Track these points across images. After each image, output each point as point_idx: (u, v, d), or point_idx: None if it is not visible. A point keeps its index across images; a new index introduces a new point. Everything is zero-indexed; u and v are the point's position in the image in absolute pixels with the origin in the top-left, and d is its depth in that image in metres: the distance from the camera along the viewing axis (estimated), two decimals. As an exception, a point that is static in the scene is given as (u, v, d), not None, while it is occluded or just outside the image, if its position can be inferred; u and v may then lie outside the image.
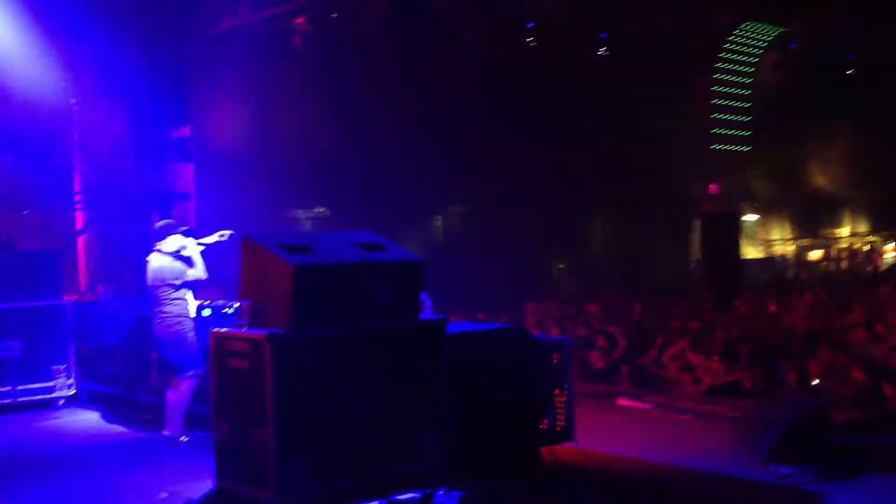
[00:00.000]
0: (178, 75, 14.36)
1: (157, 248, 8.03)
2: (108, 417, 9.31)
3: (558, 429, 6.82)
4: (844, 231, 30.37)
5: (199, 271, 8.02)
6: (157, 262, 7.97)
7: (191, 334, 7.95)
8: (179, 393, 7.91)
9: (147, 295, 8.07)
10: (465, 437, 6.04)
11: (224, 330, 5.75)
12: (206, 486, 5.80)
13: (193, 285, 8.06)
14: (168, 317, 7.86)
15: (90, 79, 14.23)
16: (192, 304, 8.06)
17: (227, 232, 8.19)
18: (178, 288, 7.91)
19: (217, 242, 8.26)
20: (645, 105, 20.98)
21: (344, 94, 18.20)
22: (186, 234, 8.18)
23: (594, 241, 22.13)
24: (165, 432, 7.99)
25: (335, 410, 5.48)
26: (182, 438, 7.89)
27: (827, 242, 30.03)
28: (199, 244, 8.13)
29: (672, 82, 20.87)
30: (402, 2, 15.00)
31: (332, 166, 18.18)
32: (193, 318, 8.04)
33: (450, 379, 5.95)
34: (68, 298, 10.44)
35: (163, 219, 8.47)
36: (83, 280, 14.62)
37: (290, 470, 5.27)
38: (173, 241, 8.04)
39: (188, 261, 8.00)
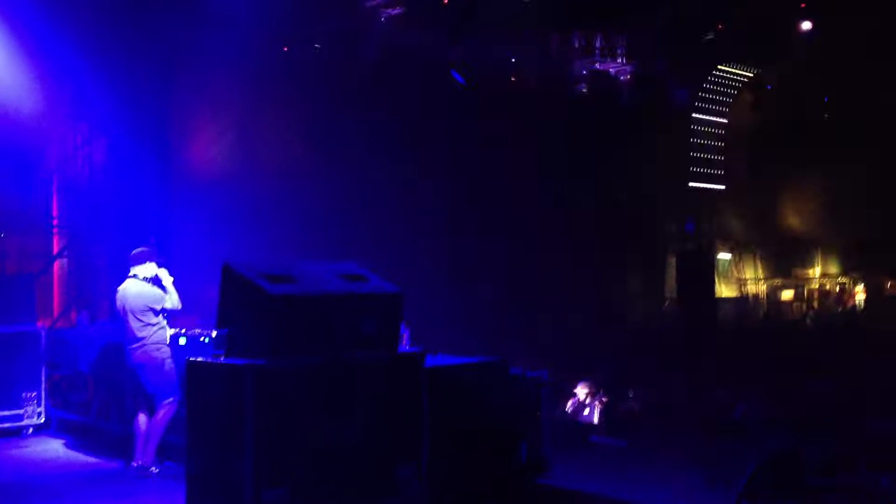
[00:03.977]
0: (159, 101, 14.35)
1: (134, 273, 8.00)
2: (78, 446, 9.20)
3: (534, 463, 6.83)
4: (815, 271, 30.70)
5: (175, 300, 8.02)
6: (136, 287, 7.94)
7: (169, 361, 7.91)
8: (155, 421, 7.84)
9: (120, 322, 8.00)
10: (442, 469, 6.03)
11: (201, 359, 5.73)
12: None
13: (169, 314, 8.03)
14: (148, 343, 7.81)
15: (69, 103, 14.20)
16: (167, 332, 8.03)
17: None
18: (157, 314, 7.89)
19: (191, 269, 8.24)
20: (622, 146, 21.20)
21: (325, 122, 18.19)
22: (160, 263, 8.17)
23: (565, 277, 22.19)
24: (136, 462, 7.90)
25: (313, 442, 5.45)
26: (153, 469, 7.80)
27: (798, 282, 30.32)
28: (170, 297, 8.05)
29: (649, 121, 21.13)
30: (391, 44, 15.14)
31: (311, 193, 18.15)
32: (169, 346, 8.01)
33: (428, 411, 5.95)
34: (41, 324, 10.34)
35: (138, 246, 8.45)
36: (57, 305, 14.49)
37: (265, 501, 5.23)
38: (150, 268, 8.03)
39: (163, 289, 7.99)
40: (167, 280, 8.06)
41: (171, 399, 7.83)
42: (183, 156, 15.33)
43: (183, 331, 8.69)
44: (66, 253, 14.54)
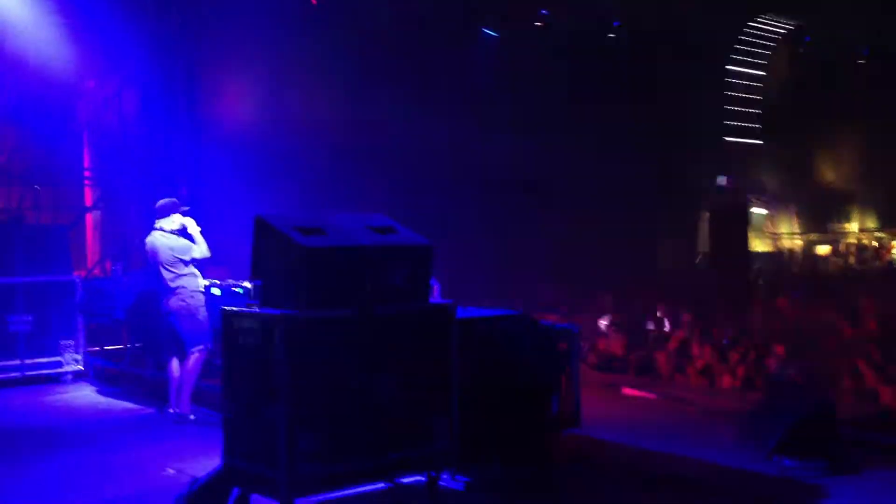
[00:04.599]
0: (189, 53, 14.33)
1: (160, 226, 8.06)
2: (114, 393, 9.36)
3: (565, 416, 6.84)
4: (852, 226, 30.31)
5: (203, 249, 8.07)
6: (164, 239, 8.00)
7: (202, 309, 8.00)
8: (188, 368, 7.95)
9: (152, 271, 8.08)
10: (473, 422, 6.05)
11: (235, 308, 5.76)
12: (212, 463, 5.82)
13: (200, 263, 8.09)
14: (182, 291, 7.91)
15: (101, 56, 14.23)
16: (200, 280, 8.09)
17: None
18: (187, 263, 7.98)
19: (223, 221, 8.27)
20: (658, 96, 20.90)
21: (356, 84, 18.10)
22: (186, 214, 8.20)
23: (600, 233, 22.08)
24: (171, 409, 8.02)
25: (345, 392, 5.48)
26: (191, 416, 7.92)
27: (835, 237, 29.98)
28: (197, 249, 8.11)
29: (685, 73, 20.80)
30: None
31: (341, 153, 18.15)
32: (203, 294, 8.09)
33: (458, 363, 5.96)
34: (77, 274, 10.48)
35: (166, 197, 8.49)
36: (92, 256, 14.66)
37: (299, 449, 5.28)
38: (175, 220, 8.09)
39: (191, 239, 8.05)
40: (194, 229, 8.11)
41: (201, 346, 7.92)
42: (213, 108, 15.34)
43: (217, 281, 8.76)
44: (99, 204, 14.69)
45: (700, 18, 19.31)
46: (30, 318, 9.69)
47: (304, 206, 15.73)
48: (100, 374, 10.08)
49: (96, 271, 13.90)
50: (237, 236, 7.51)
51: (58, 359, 9.82)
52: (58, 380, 9.80)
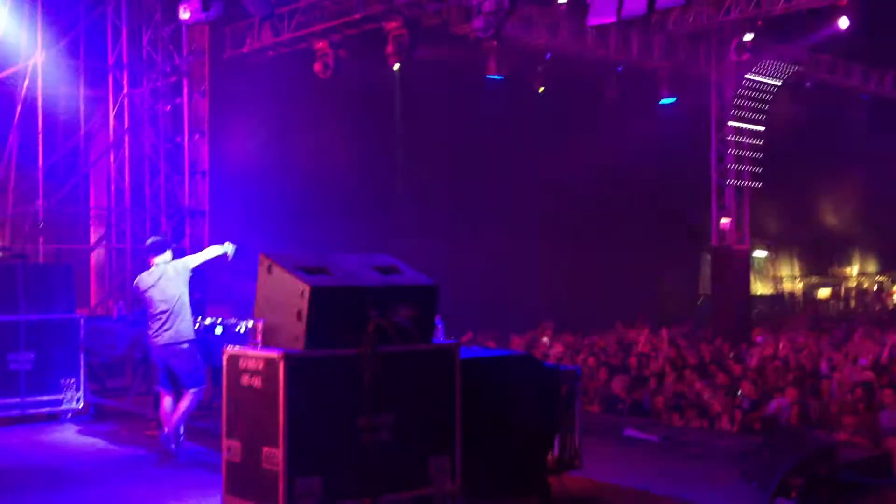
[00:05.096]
0: (198, 92, 14.51)
1: (156, 262, 7.96)
2: (115, 431, 9.33)
3: (566, 458, 6.82)
4: (853, 270, 30.35)
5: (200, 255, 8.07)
6: (158, 276, 7.88)
7: (196, 349, 7.95)
8: (180, 410, 7.86)
9: (146, 310, 7.96)
10: (474, 463, 6.05)
11: (238, 348, 5.79)
12: (213, 502, 5.81)
13: (199, 304, 8.03)
14: (178, 330, 7.83)
15: (109, 94, 14.42)
16: (191, 323, 8.02)
17: (231, 247, 8.07)
18: (182, 302, 7.87)
19: (222, 258, 8.17)
20: (657, 140, 21.13)
21: (360, 117, 18.38)
22: (176, 251, 8.17)
23: (601, 273, 22.18)
24: (165, 429, 7.90)
25: (347, 432, 5.50)
26: (172, 446, 7.83)
27: (835, 281, 30.00)
28: (199, 255, 8.12)
29: (685, 117, 21.03)
30: (419, 33, 15.19)
31: (347, 187, 18.37)
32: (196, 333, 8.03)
33: (461, 404, 5.97)
34: (80, 312, 10.49)
35: (159, 235, 8.48)
36: (95, 294, 14.71)
37: (300, 489, 5.29)
38: (169, 256, 8.02)
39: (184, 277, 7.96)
40: (185, 266, 8.00)
41: (197, 387, 7.89)
42: (221, 146, 15.51)
43: (219, 320, 8.77)
44: (103, 243, 14.76)
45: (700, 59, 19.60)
46: (31, 356, 9.68)
47: (309, 244, 15.85)
48: (101, 412, 10.07)
49: (99, 310, 13.94)
50: (242, 276, 7.54)
51: (59, 397, 9.80)
52: (58, 418, 9.78)
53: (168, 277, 7.87)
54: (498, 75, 17.51)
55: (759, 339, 15.47)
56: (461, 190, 19.98)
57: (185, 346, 7.87)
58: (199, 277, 8.21)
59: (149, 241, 8.25)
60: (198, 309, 8.47)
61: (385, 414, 5.63)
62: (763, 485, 6.65)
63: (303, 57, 16.09)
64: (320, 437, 5.43)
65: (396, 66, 15.76)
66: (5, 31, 12.91)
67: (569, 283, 21.31)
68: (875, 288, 29.81)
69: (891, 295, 29.12)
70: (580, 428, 6.91)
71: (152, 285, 7.89)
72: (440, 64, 17.82)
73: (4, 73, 13.49)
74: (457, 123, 19.86)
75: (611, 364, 13.14)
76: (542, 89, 17.93)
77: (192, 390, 7.88)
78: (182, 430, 8.13)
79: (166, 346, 7.85)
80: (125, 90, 14.35)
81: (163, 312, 7.83)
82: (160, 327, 7.84)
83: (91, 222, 15.26)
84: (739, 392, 11.13)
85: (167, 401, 7.96)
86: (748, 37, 17.51)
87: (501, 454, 6.32)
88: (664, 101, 19.41)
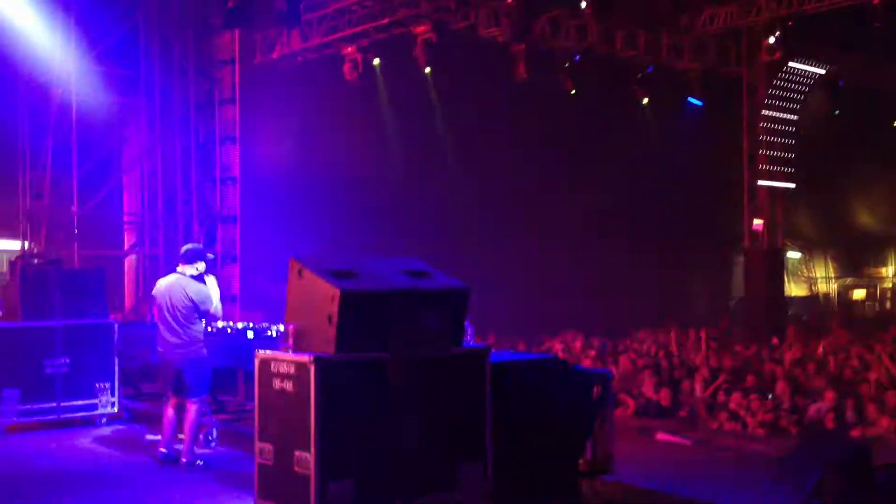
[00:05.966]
0: (227, 100, 14.63)
1: (181, 270, 7.91)
2: (149, 435, 9.41)
3: (598, 461, 6.79)
4: (888, 271, 29.94)
5: (218, 307, 7.93)
6: (183, 283, 7.84)
7: (205, 360, 7.91)
8: (191, 418, 7.83)
9: (163, 315, 7.87)
10: (505, 466, 6.04)
11: (269, 352, 5.82)
12: (245, 505, 5.86)
13: (209, 317, 7.93)
14: (192, 339, 7.79)
15: (141, 101, 14.57)
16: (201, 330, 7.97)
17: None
18: (200, 315, 7.82)
19: (259, 265, 8.15)
20: (691, 140, 21.00)
21: (389, 122, 18.48)
22: (209, 267, 8.08)
23: (634, 277, 22.07)
24: (162, 450, 7.91)
25: (378, 435, 5.51)
26: (198, 462, 7.81)
27: (870, 281, 29.62)
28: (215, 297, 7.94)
29: (719, 117, 20.89)
30: (450, 35, 15.21)
31: (376, 191, 18.44)
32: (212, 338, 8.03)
33: (492, 408, 5.97)
34: (114, 317, 10.60)
35: (194, 242, 8.43)
36: (129, 299, 14.85)
37: (331, 493, 5.31)
38: (200, 267, 7.95)
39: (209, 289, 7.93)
40: (213, 285, 7.97)
41: (202, 397, 7.89)
42: (252, 153, 15.64)
43: (251, 325, 8.83)
44: (136, 249, 14.91)
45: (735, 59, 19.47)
46: (67, 361, 9.78)
47: (339, 248, 15.94)
48: (135, 416, 10.16)
49: (133, 315, 14.08)
50: (274, 280, 7.56)
51: (94, 401, 9.89)
52: (93, 422, 9.88)
53: (183, 286, 7.80)
54: (526, 78, 17.50)
55: (792, 340, 15.30)
56: (491, 192, 19.98)
57: (196, 355, 7.83)
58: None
59: (183, 249, 8.21)
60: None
61: (416, 417, 5.64)
62: (797, 488, 6.57)
63: (332, 62, 16.17)
64: (351, 441, 5.44)
65: (427, 70, 15.76)
66: (40, 39, 13.09)
67: (598, 287, 21.23)
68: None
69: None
70: (612, 431, 6.88)
71: (164, 291, 7.87)
72: (469, 67, 17.83)
73: (40, 81, 13.68)
74: (486, 127, 19.88)
75: (644, 366, 13.06)
76: (573, 91, 17.89)
77: (193, 400, 7.83)
78: (212, 434, 8.19)
79: (178, 354, 7.82)
80: (157, 97, 14.49)
81: (171, 319, 7.79)
82: (173, 334, 7.81)
83: (124, 228, 15.42)
84: (771, 395, 11.03)
85: (171, 407, 7.95)
86: (778, 36, 17.34)
87: (532, 458, 6.31)
88: (692, 101, 19.29)
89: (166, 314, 7.83)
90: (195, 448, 7.92)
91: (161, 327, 7.90)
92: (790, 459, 7.32)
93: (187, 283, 7.83)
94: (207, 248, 14.13)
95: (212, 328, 8.84)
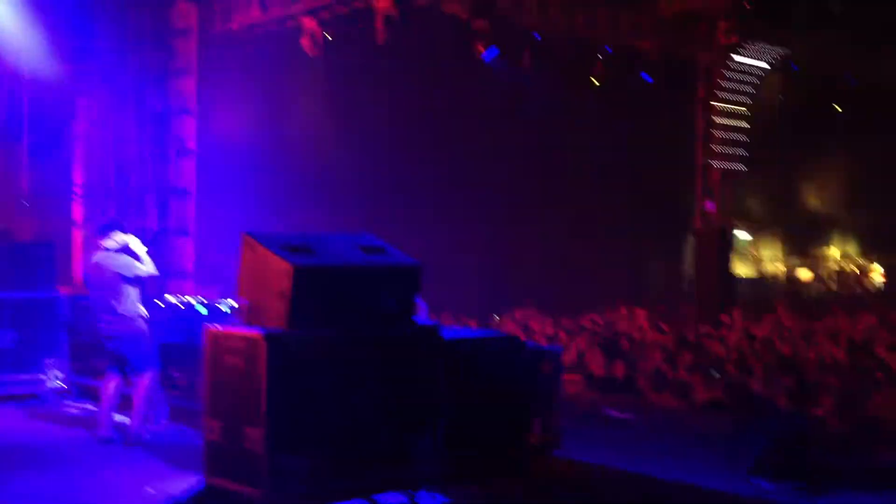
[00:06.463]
0: (184, 70, 14.43)
1: (103, 245, 7.88)
2: (96, 411, 9.32)
3: (547, 437, 6.90)
4: (834, 252, 30.57)
5: (149, 267, 7.87)
6: (105, 258, 7.81)
7: (146, 333, 7.85)
8: (140, 393, 7.79)
9: (94, 293, 7.87)
10: (456, 442, 6.11)
11: (220, 327, 5.81)
12: (193, 482, 5.84)
13: (144, 282, 7.90)
14: (125, 314, 7.73)
15: (94, 71, 14.31)
16: (139, 304, 7.90)
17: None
18: (131, 283, 7.76)
19: (212, 240, 8.14)
20: (642, 121, 21.19)
21: (349, 94, 18.35)
22: (131, 231, 8.03)
23: (581, 255, 22.30)
24: (103, 433, 7.84)
25: (329, 412, 5.54)
26: (147, 438, 7.78)
27: (817, 262, 30.21)
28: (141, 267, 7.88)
29: (670, 99, 21.08)
30: (412, 9, 15.11)
31: (334, 167, 18.36)
32: (145, 316, 7.92)
33: (444, 384, 6.03)
34: (64, 291, 10.46)
35: (159, 215, 8.41)
36: (79, 273, 14.66)
37: (281, 469, 5.33)
38: (118, 238, 7.91)
39: (136, 257, 7.86)
40: (139, 248, 7.93)
41: (151, 371, 7.83)
42: (207, 125, 15.45)
43: (203, 299, 8.78)
44: (87, 221, 14.69)
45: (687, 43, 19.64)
46: (13, 335, 9.64)
47: (292, 224, 15.85)
48: (84, 392, 10.06)
49: (82, 289, 13.89)
50: (228, 255, 7.51)
51: (41, 376, 9.78)
52: (40, 397, 9.76)
53: (106, 260, 7.77)
54: (487, 55, 17.46)
55: (739, 319, 15.59)
56: (447, 170, 19.97)
57: (137, 327, 7.78)
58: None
59: (101, 223, 8.18)
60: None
61: (367, 394, 5.67)
62: (740, 463, 6.75)
63: (292, 34, 15.99)
64: (303, 417, 5.46)
65: (387, 45, 15.66)
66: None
67: (553, 265, 21.41)
68: (855, 269, 30.06)
69: (870, 276, 29.38)
70: (561, 408, 6.98)
71: (93, 268, 7.83)
72: (429, 43, 17.76)
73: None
74: (443, 103, 19.82)
75: (594, 345, 13.23)
76: (528, 70, 17.90)
77: (141, 376, 7.79)
78: (162, 412, 8.16)
79: (113, 330, 7.78)
80: (112, 67, 14.24)
81: (103, 296, 7.76)
82: (107, 310, 7.77)
83: (76, 200, 15.18)
84: (717, 373, 11.24)
85: (111, 386, 7.89)
86: (735, 19, 17.53)
87: (483, 434, 6.38)
88: (645, 77, 19.39)
89: (99, 291, 7.79)
90: (145, 425, 7.88)
91: (97, 305, 7.85)
92: (733, 434, 7.51)
93: (108, 256, 7.81)
94: (161, 221, 14.04)
95: (162, 303, 8.79)
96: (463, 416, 6.21)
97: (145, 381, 7.82)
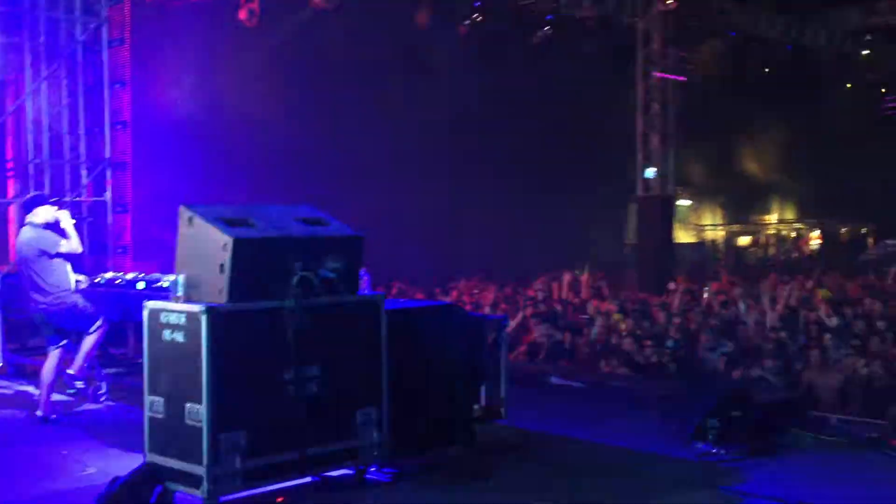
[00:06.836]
0: (118, 41, 14.06)
1: (28, 220, 7.76)
2: (35, 392, 9.14)
3: (492, 406, 6.93)
4: (772, 218, 31.16)
5: (73, 243, 7.74)
6: (29, 234, 7.70)
7: (80, 301, 7.77)
8: (83, 349, 7.77)
9: (21, 269, 7.79)
10: (401, 414, 6.11)
11: (159, 303, 5.71)
12: (135, 460, 5.76)
13: (70, 258, 7.78)
14: (52, 290, 7.64)
15: (24, 42, 13.87)
16: (70, 277, 7.82)
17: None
18: (52, 258, 7.64)
19: (152, 213, 8.07)
20: (582, 89, 21.29)
21: (285, 65, 18.12)
22: (58, 205, 7.93)
23: (526, 225, 22.42)
24: (41, 413, 7.75)
25: (272, 385, 5.48)
26: (77, 385, 7.77)
27: (756, 229, 30.77)
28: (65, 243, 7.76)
29: (610, 67, 21.20)
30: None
31: (274, 137, 18.16)
32: (75, 290, 7.83)
33: (387, 355, 6.00)
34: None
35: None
36: (13, 250, 14.29)
37: (224, 444, 5.27)
38: (43, 213, 7.78)
39: (62, 233, 7.75)
40: (67, 223, 7.81)
41: (96, 326, 7.75)
42: (146, 97, 15.12)
43: (141, 275, 8.62)
44: (20, 196, 14.31)
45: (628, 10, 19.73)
46: (-55, 314, 9.41)
47: (236, 196, 15.64)
48: (20, 371, 9.86)
49: (17, 266, 13.56)
50: (166, 229, 7.38)
51: (-25, 356, 9.56)
52: (-26, 378, 9.55)
53: (30, 237, 7.68)
54: (428, 21, 17.37)
55: (680, 286, 15.81)
56: (384, 137, 19.83)
57: (64, 300, 7.67)
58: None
59: (25, 198, 8.09)
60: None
61: (311, 366, 5.63)
62: (682, 428, 6.86)
63: (230, 3, 15.71)
64: (245, 392, 5.40)
65: (327, 13, 15.49)
66: None
67: (498, 234, 21.49)
68: (793, 235, 30.68)
69: (808, 242, 30.02)
70: (506, 377, 7.01)
71: (20, 245, 7.73)
72: (367, 12, 17.61)
73: None
74: (386, 73, 19.69)
75: (539, 313, 13.32)
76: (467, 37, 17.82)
77: (93, 329, 7.74)
78: (102, 389, 8.04)
79: (44, 307, 7.68)
80: (42, 37, 13.82)
81: (31, 273, 7.65)
82: (33, 287, 7.67)
83: (8, 175, 14.76)
84: (661, 339, 11.41)
85: (50, 362, 7.79)
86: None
87: (428, 404, 6.39)
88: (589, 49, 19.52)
89: (25, 268, 7.68)
90: (86, 372, 7.81)
91: (26, 283, 7.73)
92: (676, 400, 7.63)
93: (32, 233, 7.69)
94: (97, 195, 13.72)
95: (100, 279, 8.63)
96: (408, 385, 6.21)
97: (92, 336, 7.76)
